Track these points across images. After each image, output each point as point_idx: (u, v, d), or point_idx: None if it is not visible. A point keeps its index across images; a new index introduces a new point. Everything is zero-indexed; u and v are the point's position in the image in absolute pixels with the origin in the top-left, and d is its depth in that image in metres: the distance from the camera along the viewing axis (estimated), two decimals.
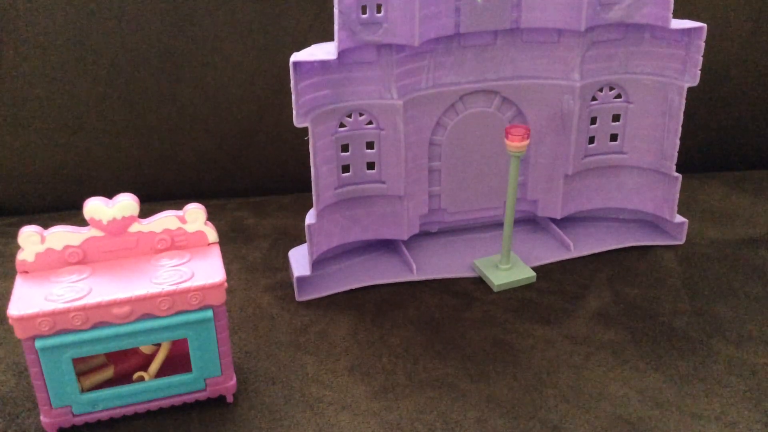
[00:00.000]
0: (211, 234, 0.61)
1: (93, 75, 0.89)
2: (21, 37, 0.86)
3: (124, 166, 0.93)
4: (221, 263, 0.58)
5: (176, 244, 0.60)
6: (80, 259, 0.58)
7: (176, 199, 0.93)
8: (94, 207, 0.57)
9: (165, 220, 0.59)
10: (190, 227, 0.60)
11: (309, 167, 0.69)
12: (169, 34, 0.89)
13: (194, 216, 0.60)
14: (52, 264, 0.57)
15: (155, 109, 0.91)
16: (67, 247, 0.57)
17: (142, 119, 0.91)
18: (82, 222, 0.57)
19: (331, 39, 0.66)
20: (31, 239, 0.56)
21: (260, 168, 0.96)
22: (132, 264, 0.58)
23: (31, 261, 0.57)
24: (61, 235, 0.57)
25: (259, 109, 0.93)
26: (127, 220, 0.58)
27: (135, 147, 0.92)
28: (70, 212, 0.91)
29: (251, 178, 0.96)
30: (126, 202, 0.57)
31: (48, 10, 0.86)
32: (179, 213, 0.59)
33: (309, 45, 0.68)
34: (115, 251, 0.59)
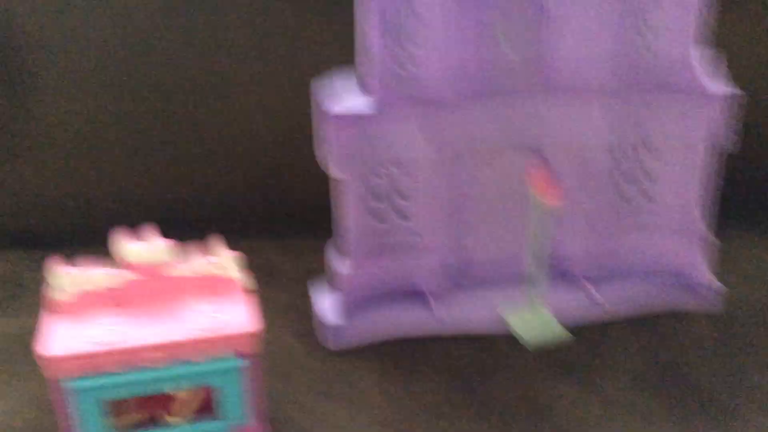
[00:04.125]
0: (246, 281, 0.61)
1: (122, 108, 0.89)
2: (51, 68, 0.88)
3: (153, 202, 0.93)
4: (255, 311, 0.58)
5: (211, 290, 0.60)
6: (114, 302, 0.58)
7: (206, 238, 0.94)
8: (130, 249, 0.57)
9: (200, 265, 0.59)
10: (225, 273, 0.60)
11: (342, 209, 0.69)
12: (197, 66, 0.89)
13: (229, 263, 0.60)
14: (86, 305, 0.57)
15: (184, 146, 0.91)
16: (101, 288, 0.58)
17: (171, 155, 0.91)
18: (105, 256, 0.57)
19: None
20: (65, 279, 0.57)
21: (293, 209, 0.96)
22: (165, 308, 0.58)
23: (64, 300, 0.57)
24: (96, 277, 0.57)
25: (293, 147, 0.92)
26: (163, 264, 0.58)
27: (163, 182, 0.92)
28: (93, 245, 0.91)
29: (283, 218, 0.96)
30: (162, 246, 0.58)
31: (77, 42, 0.87)
32: (215, 259, 0.60)
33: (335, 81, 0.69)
34: (149, 294, 0.59)
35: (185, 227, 0.93)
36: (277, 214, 0.96)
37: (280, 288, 0.82)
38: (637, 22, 0.71)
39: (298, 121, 0.91)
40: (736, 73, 0.85)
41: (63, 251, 0.87)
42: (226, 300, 0.59)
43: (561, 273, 0.83)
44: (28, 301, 0.80)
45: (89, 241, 0.92)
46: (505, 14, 0.70)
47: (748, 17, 0.94)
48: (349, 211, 0.69)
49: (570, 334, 0.74)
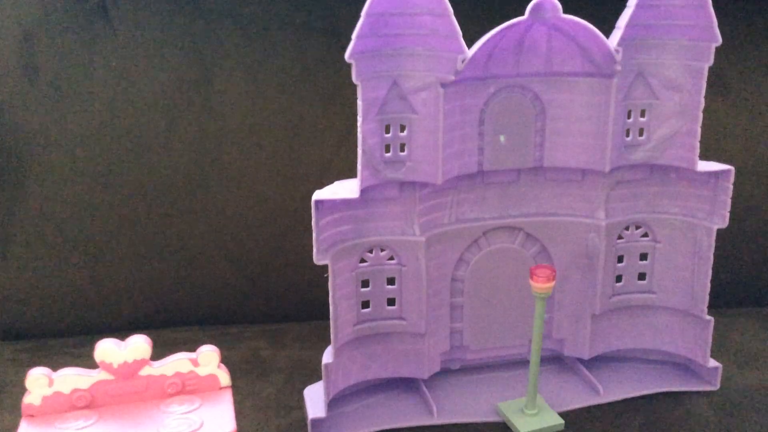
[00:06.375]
0: (224, 378, 0.59)
1: (116, 200, 0.89)
2: (47, 162, 0.88)
3: (143, 291, 0.92)
4: (232, 411, 0.56)
5: (187, 388, 0.58)
6: (88, 403, 0.56)
7: (194, 325, 0.92)
8: (105, 349, 0.55)
9: (177, 363, 0.57)
10: (202, 370, 0.58)
11: (328, 295, 0.67)
12: (196, 162, 0.90)
13: (207, 359, 0.58)
14: (59, 408, 0.55)
15: (177, 235, 0.91)
16: (75, 390, 0.56)
17: (163, 244, 0.91)
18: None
19: (353, 169, 0.66)
20: (38, 382, 0.55)
21: (279, 295, 0.95)
22: (140, 410, 0.56)
23: (37, 405, 0.55)
24: (70, 378, 0.55)
25: (280, 236, 0.92)
26: (138, 363, 0.56)
27: (155, 272, 0.92)
28: (86, 337, 0.90)
29: (270, 304, 0.95)
30: (138, 345, 0.56)
31: (77, 137, 0.88)
32: (192, 355, 0.58)
33: (331, 174, 0.68)
34: (124, 395, 0.57)
35: (176, 315, 0.93)
36: (269, 303, 0.95)
37: (266, 380, 0.79)
38: (636, 113, 0.72)
39: (293, 215, 0.91)
40: (724, 152, 0.85)
41: (53, 346, 0.85)
42: (204, 398, 0.57)
43: (554, 356, 0.80)
44: (10, 399, 0.77)
45: (85, 333, 0.90)
46: (501, 110, 0.70)
47: (733, 98, 0.94)
48: (334, 296, 0.68)
49: (564, 422, 0.71)
